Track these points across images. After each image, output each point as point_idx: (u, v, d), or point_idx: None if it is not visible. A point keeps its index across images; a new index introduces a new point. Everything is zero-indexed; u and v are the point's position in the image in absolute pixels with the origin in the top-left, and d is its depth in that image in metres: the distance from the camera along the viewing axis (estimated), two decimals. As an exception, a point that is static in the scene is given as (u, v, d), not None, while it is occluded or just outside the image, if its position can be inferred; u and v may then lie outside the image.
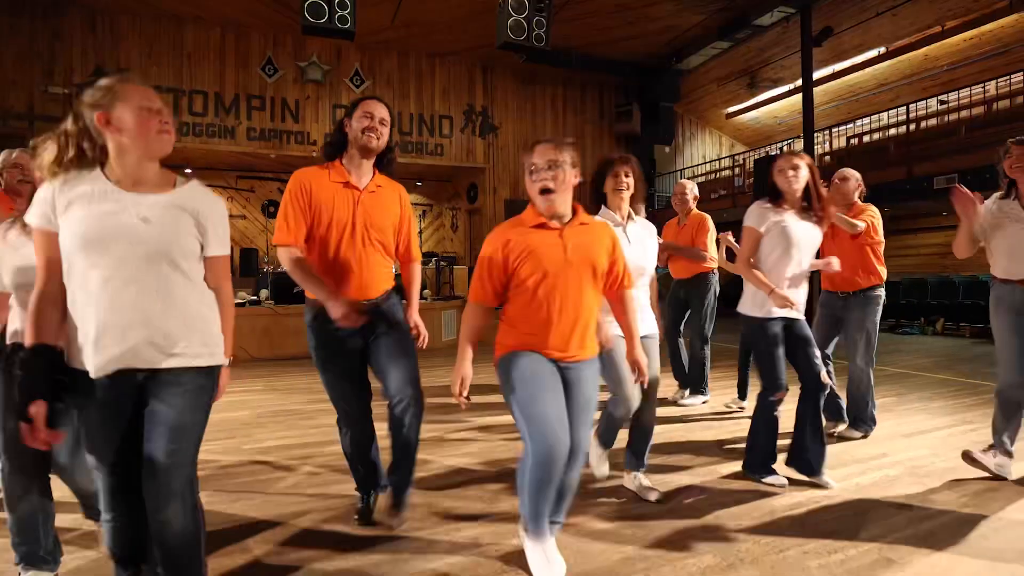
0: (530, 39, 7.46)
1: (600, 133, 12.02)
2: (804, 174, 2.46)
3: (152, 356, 1.31)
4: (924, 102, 9.35)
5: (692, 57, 10.62)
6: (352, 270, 1.99)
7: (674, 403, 4.16)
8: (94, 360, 1.27)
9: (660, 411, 3.95)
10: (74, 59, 8.52)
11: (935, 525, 2.11)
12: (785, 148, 11.93)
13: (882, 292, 3.19)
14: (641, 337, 2.10)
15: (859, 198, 3.27)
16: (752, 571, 1.79)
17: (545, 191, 1.69)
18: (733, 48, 10.24)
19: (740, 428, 3.33)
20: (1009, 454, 2.61)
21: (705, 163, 13.50)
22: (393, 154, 2.12)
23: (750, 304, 2.57)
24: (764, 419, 2.58)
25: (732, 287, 3.69)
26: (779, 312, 2.48)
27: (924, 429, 3.45)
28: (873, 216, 3.16)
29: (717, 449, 3.09)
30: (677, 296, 4.26)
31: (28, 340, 1.28)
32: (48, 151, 1.29)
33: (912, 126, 9.11)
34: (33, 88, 8.29)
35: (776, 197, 2.53)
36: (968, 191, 2.52)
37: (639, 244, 2.35)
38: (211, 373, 1.41)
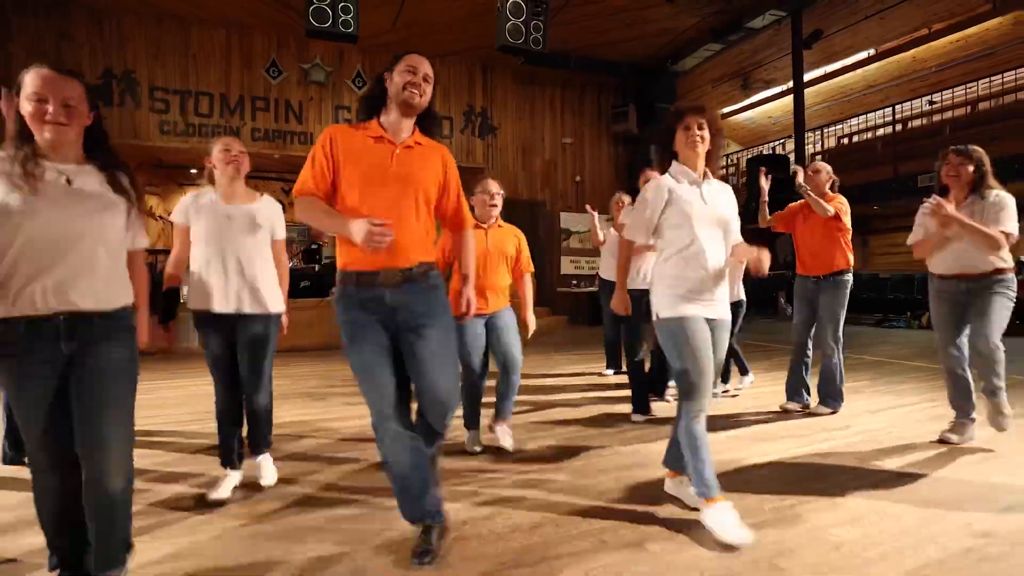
0: (527, 42, 7.69)
1: (598, 133, 12.25)
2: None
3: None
4: (911, 102, 9.61)
5: (687, 59, 10.85)
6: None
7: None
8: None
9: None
10: (83, 59, 8.74)
11: (879, 479, 2.40)
12: (778, 148, 12.18)
13: (850, 277, 3.46)
14: (715, 322, 2.08)
15: (830, 189, 3.53)
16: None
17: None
18: (727, 50, 10.47)
19: (731, 404, 3.58)
20: (972, 419, 2.94)
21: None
22: (437, 118, 1.97)
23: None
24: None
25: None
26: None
27: (890, 407, 3.73)
28: (842, 204, 3.44)
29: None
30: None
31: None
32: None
33: (899, 126, 9.37)
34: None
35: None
36: (945, 205, 2.71)
37: (715, 202, 2.12)
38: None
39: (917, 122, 9.52)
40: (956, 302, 2.90)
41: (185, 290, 2.54)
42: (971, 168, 2.80)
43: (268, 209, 2.45)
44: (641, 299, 2.87)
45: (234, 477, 2.39)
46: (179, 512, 2.14)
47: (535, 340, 4.01)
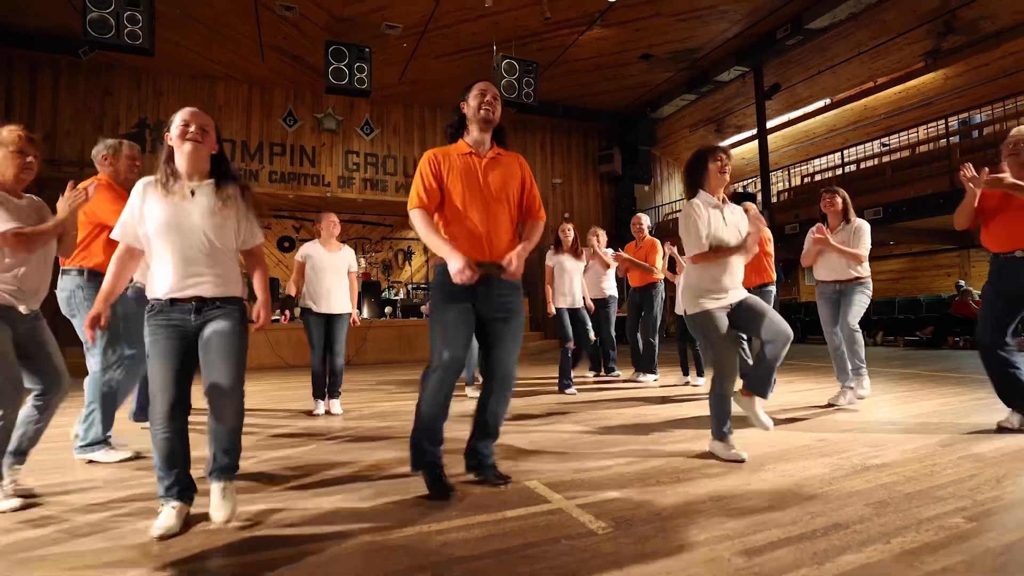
0: (520, 96, 8.75)
1: (585, 174, 13.28)
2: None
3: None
4: (864, 145, 10.70)
5: (665, 107, 11.98)
6: (480, 231, 2.15)
7: (632, 381, 5.37)
8: None
9: (620, 391, 5.00)
10: (120, 113, 9.72)
11: (781, 423, 3.07)
12: (750, 186, 13.25)
13: (772, 288, 4.32)
14: (738, 301, 2.59)
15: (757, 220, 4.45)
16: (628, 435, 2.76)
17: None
18: (700, 99, 11.61)
19: (686, 402, 4.34)
20: (851, 388, 3.82)
21: (680, 200, 14.79)
22: (505, 130, 2.33)
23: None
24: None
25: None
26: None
27: (807, 389, 4.59)
28: (767, 236, 4.37)
29: (666, 406, 4.08)
30: (633, 300, 5.45)
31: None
32: None
33: (852, 167, 10.42)
34: (85, 138, 9.44)
35: None
36: (824, 232, 3.86)
37: (734, 225, 2.63)
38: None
39: (870, 163, 10.58)
40: (832, 299, 3.91)
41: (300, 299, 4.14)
42: (839, 200, 3.83)
43: (348, 254, 4.22)
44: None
45: (322, 405, 4.07)
46: (281, 436, 2.86)
47: (531, 358, 4.77)
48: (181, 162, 1.87)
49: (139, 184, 1.88)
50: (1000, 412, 3.08)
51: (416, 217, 2.17)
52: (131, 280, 3.30)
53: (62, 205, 2.14)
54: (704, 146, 2.67)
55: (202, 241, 1.84)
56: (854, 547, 1.56)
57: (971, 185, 2.92)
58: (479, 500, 2.04)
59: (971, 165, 2.92)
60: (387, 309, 9.59)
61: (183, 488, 1.83)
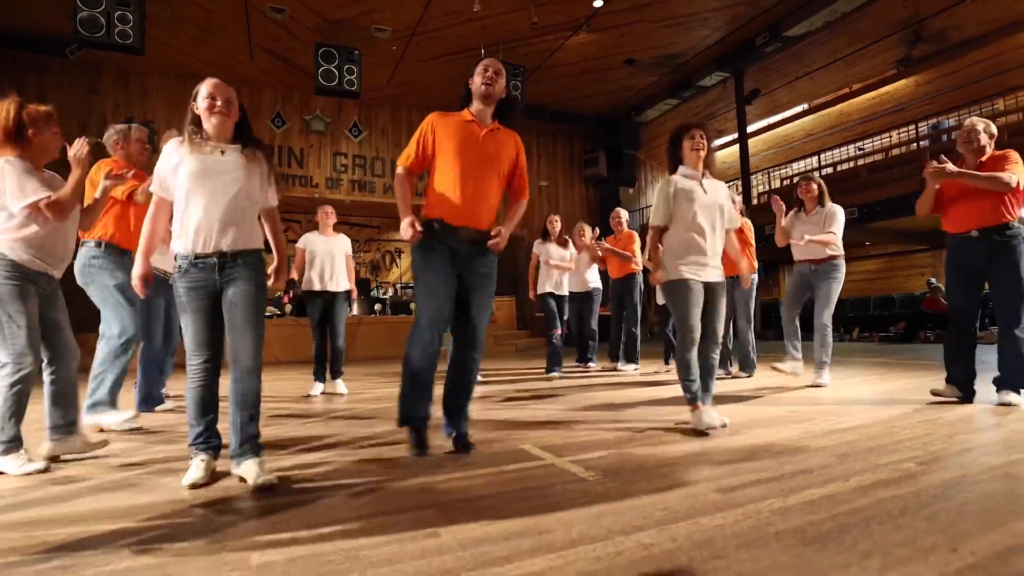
0: (514, 119, 8.96)
1: (571, 177, 13.51)
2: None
3: None
4: (841, 148, 11.10)
5: (649, 111, 12.27)
6: (467, 194, 2.26)
7: (613, 370, 5.57)
8: None
9: (602, 377, 5.19)
10: (107, 112, 9.73)
11: (754, 399, 3.26)
12: (732, 188, 13.60)
13: (754, 277, 4.58)
14: (711, 284, 2.70)
15: (739, 213, 4.67)
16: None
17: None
18: (683, 103, 11.91)
19: (666, 385, 4.52)
20: (798, 360, 4.21)
21: (665, 202, 15.09)
22: (514, 108, 2.47)
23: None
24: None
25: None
26: None
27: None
28: (747, 225, 4.59)
29: (647, 389, 4.26)
30: (615, 291, 5.66)
31: None
32: None
33: (829, 169, 10.79)
34: (70, 137, 9.41)
35: None
36: (779, 201, 4.20)
37: (712, 193, 2.77)
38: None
39: (846, 166, 10.96)
40: (804, 278, 4.20)
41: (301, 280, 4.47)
42: (815, 186, 4.12)
43: (344, 240, 4.54)
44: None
45: (319, 387, 4.34)
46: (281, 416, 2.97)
47: (519, 353, 4.96)
48: (209, 130, 2.01)
49: (172, 141, 2.02)
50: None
51: (398, 176, 2.36)
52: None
53: (98, 183, 2.31)
54: (682, 123, 2.84)
55: (235, 193, 1.96)
56: (817, 484, 1.75)
57: (930, 179, 3.18)
58: (476, 459, 2.19)
59: (935, 161, 3.17)
60: (376, 307, 9.70)
61: (211, 437, 1.97)
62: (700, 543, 1.34)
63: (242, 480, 1.91)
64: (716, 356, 2.75)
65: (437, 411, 2.37)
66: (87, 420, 2.76)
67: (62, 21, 7.86)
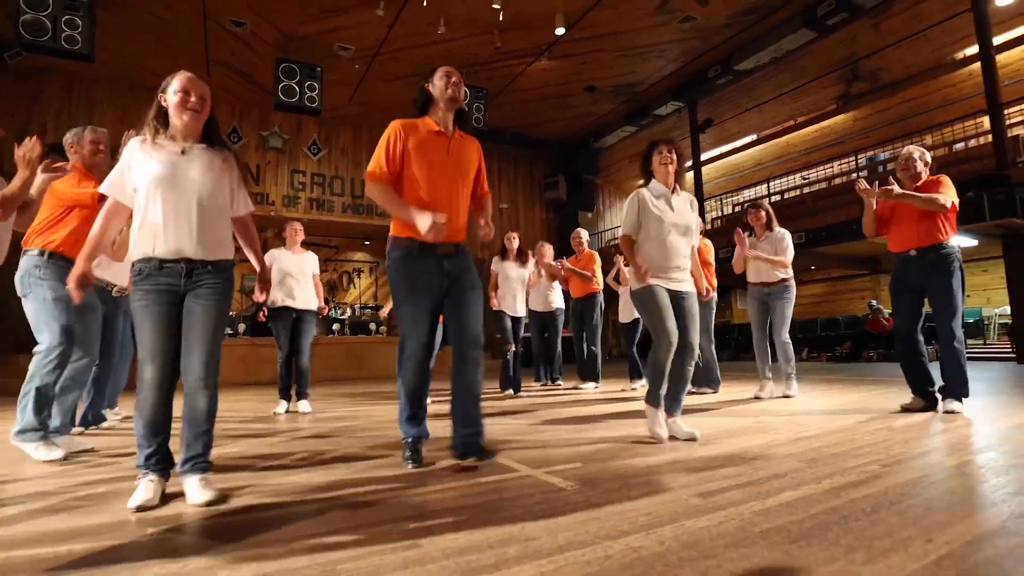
0: (471, 123, 9.04)
1: (532, 200, 13.69)
2: None
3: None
4: (787, 177, 11.69)
5: (607, 137, 12.64)
6: (442, 207, 2.17)
7: (574, 388, 5.60)
8: None
9: (562, 396, 5.19)
10: (48, 121, 9.25)
11: (721, 413, 3.34)
12: (686, 214, 14.09)
13: (713, 295, 4.71)
14: (682, 293, 2.73)
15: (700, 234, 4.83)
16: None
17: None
18: (640, 131, 12.32)
19: (630, 401, 4.56)
20: (770, 380, 4.42)
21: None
22: (467, 113, 2.48)
23: None
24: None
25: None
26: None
27: (743, 391, 4.93)
28: (707, 245, 4.74)
29: (610, 404, 4.28)
30: (575, 310, 5.72)
31: None
32: None
33: (777, 196, 11.33)
34: (5, 149, 8.90)
35: None
36: (742, 233, 4.33)
37: (681, 210, 2.79)
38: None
39: (792, 193, 11.54)
40: (761, 300, 4.43)
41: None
42: (763, 213, 4.33)
43: (311, 258, 4.51)
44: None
45: (284, 405, 4.20)
46: (243, 436, 2.80)
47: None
48: (176, 126, 1.89)
49: (132, 142, 1.89)
50: (907, 398, 3.48)
51: (373, 189, 2.21)
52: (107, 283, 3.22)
53: (35, 176, 2.15)
54: (653, 139, 2.88)
55: (197, 198, 1.83)
56: (791, 487, 1.78)
57: (865, 196, 3.46)
58: (451, 474, 2.13)
59: (863, 179, 3.42)
60: (335, 327, 9.45)
61: (162, 458, 1.81)
62: (688, 544, 1.33)
63: (183, 497, 1.79)
64: (691, 367, 2.76)
65: (439, 429, 2.29)
66: (12, 442, 2.54)
67: (2, 23, 7.49)
